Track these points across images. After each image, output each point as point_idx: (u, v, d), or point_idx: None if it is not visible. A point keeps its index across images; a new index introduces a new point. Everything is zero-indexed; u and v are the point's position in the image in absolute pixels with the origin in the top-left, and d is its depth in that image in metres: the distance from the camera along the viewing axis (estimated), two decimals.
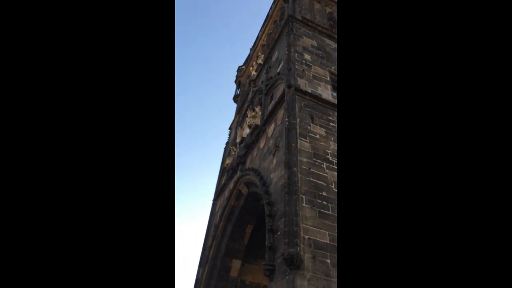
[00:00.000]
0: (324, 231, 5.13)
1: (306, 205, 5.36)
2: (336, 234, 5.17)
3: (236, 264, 8.62)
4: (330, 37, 10.25)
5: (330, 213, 5.45)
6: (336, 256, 4.90)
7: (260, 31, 14.84)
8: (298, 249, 4.66)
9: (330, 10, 12.38)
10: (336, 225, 5.31)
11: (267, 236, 5.51)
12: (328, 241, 5.02)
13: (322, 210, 5.41)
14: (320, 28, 10.40)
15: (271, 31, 13.38)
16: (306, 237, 4.91)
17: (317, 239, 4.97)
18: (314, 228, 5.09)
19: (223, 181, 10.67)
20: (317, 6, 12.22)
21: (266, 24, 14.31)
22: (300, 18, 10.44)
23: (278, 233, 5.34)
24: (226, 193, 9.59)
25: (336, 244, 5.05)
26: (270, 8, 14.29)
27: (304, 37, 9.65)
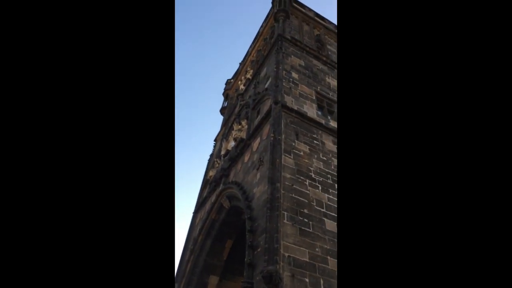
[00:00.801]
0: (304, 249, 5.12)
1: (287, 222, 5.36)
2: (315, 253, 5.18)
3: (213, 280, 8.36)
4: (317, 58, 10.65)
5: (310, 230, 5.47)
6: (314, 275, 4.89)
7: (250, 47, 15.19)
8: (278, 266, 4.62)
9: (318, 33, 12.93)
10: (315, 243, 5.33)
11: (247, 252, 5.43)
12: (307, 260, 5.02)
13: (303, 228, 5.43)
14: (308, 48, 10.80)
15: (261, 48, 13.73)
16: (286, 254, 4.89)
17: (297, 257, 4.95)
18: (294, 246, 5.08)
19: (205, 193, 10.49)
20: (306, 28, 12.74)
21: (256, 40, 14.68)
22: (289, 38, 10.82)
23: (258, 250, 5.28)
24: (208, 206, 9.41)
25: (315, 263, 5.05)
26: (261, 26, 14.73)
27: (292, 56, 9.97)
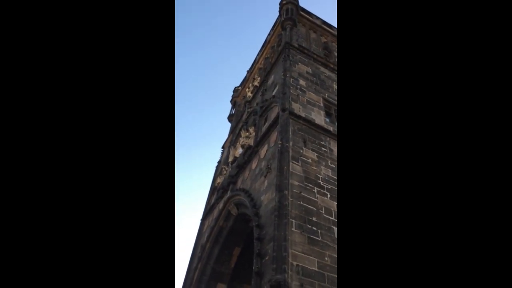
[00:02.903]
0: (313, 258, 5.05)
1: (295, 230, 5.30)
2: (324, 262, 5.10)
3: None
4: (324, 65, 10.67)
5: (319, 239, 5.40)
6: (323, 285, 4.80)
7: (258, 54, 15.35)
8: (286, 276, 4.56)
9: (325, 40, 12.99)
10: (325, 252, 5.25)
11: (254, 260, 5.38)
12: (316, 269, 4.93)
13: (311, 236, 5.36)
14: (315, 56, 10.85)
15: (269, 55, 13.85)
16: (295, 263, 4.82)
17: (306, 266, 4.88)
18: (303, 255, 5.01)
19: (212, 200, 10.51)
20: (313, 35, 12.83)
21: (264, 48, 14.83)
22: (297, 45, 10.89)
23: (266, 258, 5.23)
24: (215, 213, 9.41)
25: (324, 272, 4.96)
26: (269, 34, 14.89)
27: (299, 63, 10.03)
